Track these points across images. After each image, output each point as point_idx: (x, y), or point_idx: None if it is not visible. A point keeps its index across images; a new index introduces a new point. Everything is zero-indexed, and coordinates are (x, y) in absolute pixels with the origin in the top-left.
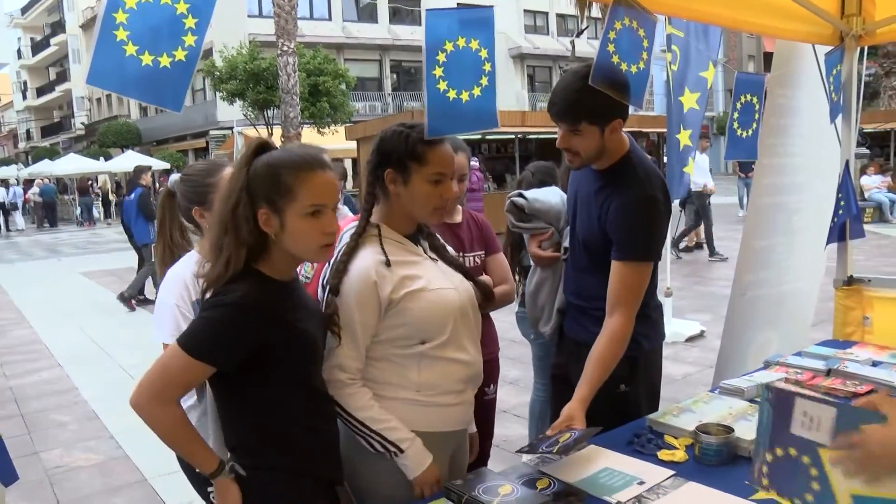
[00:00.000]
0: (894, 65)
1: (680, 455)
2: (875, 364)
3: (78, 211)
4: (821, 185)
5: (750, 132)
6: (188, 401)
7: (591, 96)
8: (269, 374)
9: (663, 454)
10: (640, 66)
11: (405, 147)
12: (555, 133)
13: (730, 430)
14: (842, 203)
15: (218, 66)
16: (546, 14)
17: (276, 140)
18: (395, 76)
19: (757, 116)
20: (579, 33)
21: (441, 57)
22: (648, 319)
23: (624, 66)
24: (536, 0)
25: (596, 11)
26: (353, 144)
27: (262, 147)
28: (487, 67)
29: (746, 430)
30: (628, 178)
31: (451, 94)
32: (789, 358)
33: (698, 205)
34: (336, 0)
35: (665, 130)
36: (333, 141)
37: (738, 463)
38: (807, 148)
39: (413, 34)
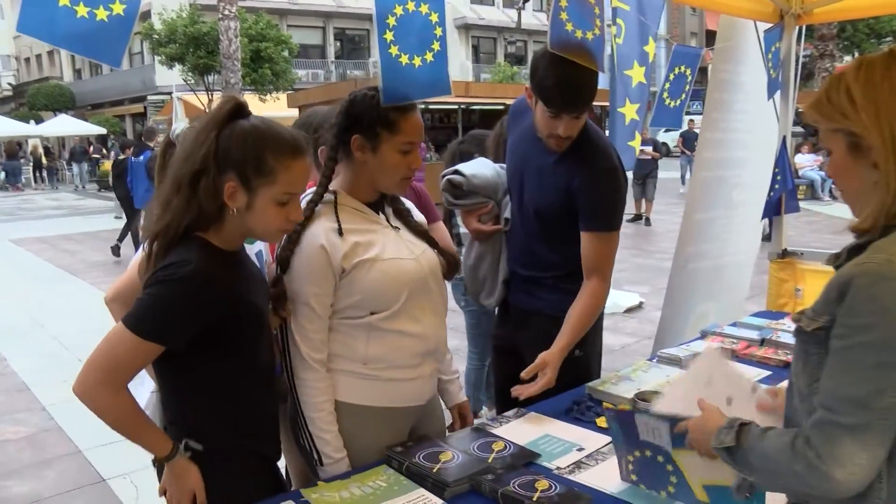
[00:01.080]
0: (828, 47)
1: None
2: None
3: (2, 175)
4: (760, 161)
5: (678, 102)
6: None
7: (594, 80)
8: (216, 350)
9: (602, 421)
10: (595, 33)
11: (377, 113)
12: (498, 104)
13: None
14: (778, 178)
15: (157, 29)
16: None
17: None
18: (338, 44)
19: (687, 88)
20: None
21: (391, 21)
22: None
23: (579, 34)
24: None
25: None
26: (294, 112)
27: (237, 110)
28: (438, 32)
29: None
30: (591, 150)
31: (404, 60)
32: (725, 328)
33: None
34: None
35: (607, 104)
36: (275, 108)
37: None
38: (748, 124)
39: (358, 2)
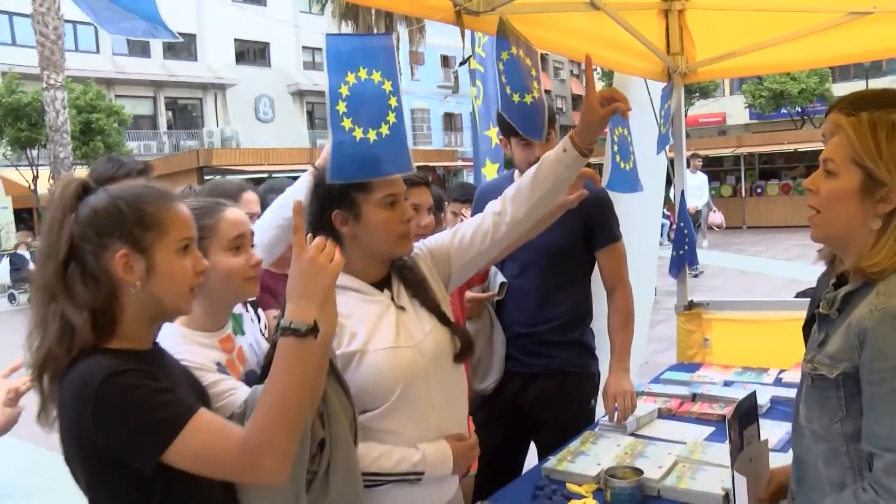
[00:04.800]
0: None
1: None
2: (727, 384)
3: None
4: (644, 219)
5: (631, 164)
6: None
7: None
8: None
9: None
10: (534, 96)
11: None
12: None
13: (639, 471)
14: (686, 232)
15: None
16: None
17: (45, 183)
18: (170, 114)
19: (632, 149)
20: (461, 62)
21: (344, 90)
22: (592, 345)
23: (516, 98)
24: (313, 37)
25: None
26: None
27: (84, 189)
28: (394, 102)
29: (651, 469)
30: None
31: (358, 134)
32: (651, 386)
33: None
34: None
35: (450, 164)
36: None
37: (648, 503)
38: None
39: (189, 70)
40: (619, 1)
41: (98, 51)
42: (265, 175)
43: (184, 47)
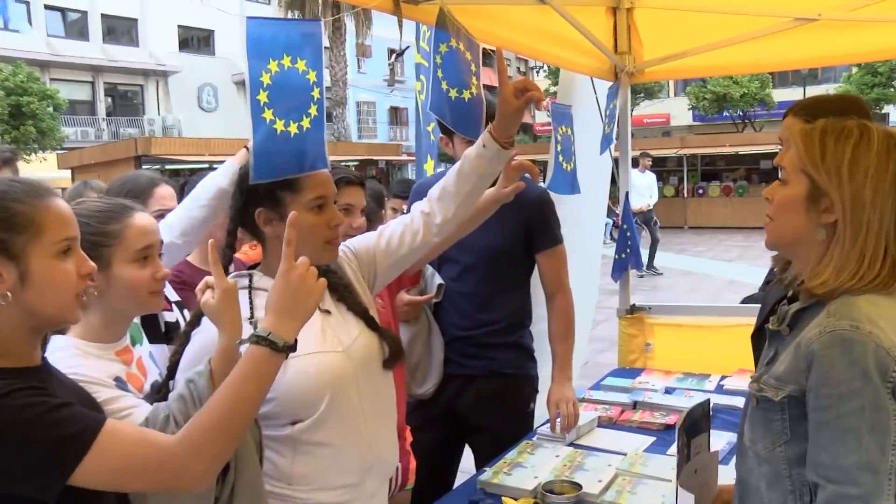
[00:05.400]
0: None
1: None
2: (668, 391)
3: None
4: (588, 219)
5: (572, 165)
6: None
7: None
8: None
9: None
10: (472, 92)
11: None
12: None
13: (577, 486)
14: (628, 235)
15: None
16: None
17: None
18: (109, 100)
19: (573, 149)
20: (398, 55)
21: (265, 78)
22: (531, 347)
23: (453, 93)
24: None
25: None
26: (66, 174)
27: None
28: (316, 94)
29: (590, 483)
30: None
31: (279, 127)
32: (592, 393)
33: (642, 223)
34: (38, 9)
35: (395, 158)
36: (42, 169)
37: None
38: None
39: (130, 55)
40: None
41: (31, 31)
42: (206, 166)
43: (124, 32)
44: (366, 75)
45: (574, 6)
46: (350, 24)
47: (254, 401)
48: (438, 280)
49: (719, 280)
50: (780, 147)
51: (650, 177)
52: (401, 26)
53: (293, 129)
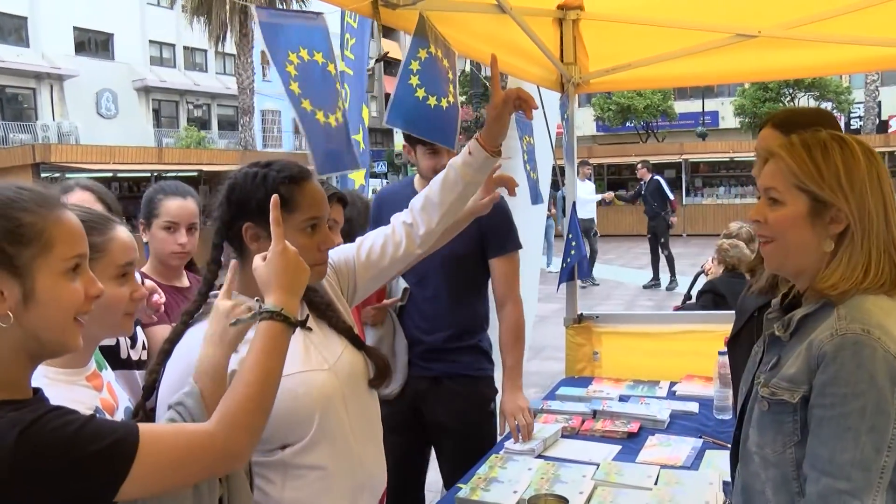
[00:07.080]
0: None
1: None
2: (623, 399)
3: None
4: (531, 228)
5: (536, 174)
6: None
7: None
8: None
9: None
10: (449, 101)
11: (266, 191)
12: (192, 171)
13: (563, 499)
14: (573, 244)
15: None
16: (173, 46)
17: None
18: None
19: (535, 158)
20: (377, 60)
21: (291, 70)
22: (489, 350)
23: (432, 101)
24: (162, 31)
25: (230, 47)
26: None
27: None
28: (338, 87)
29: (572, 495)
30: None
31: (320, 118)
32: (549, 404)
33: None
34: None
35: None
36: None
37: None
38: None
39: (20, 56)
40: (522, 6)
41: None
42: (109, 174)
43: (12, 30)
44: (270, 83)
45: (528, 16)
46: (258, 32)
47: (277, 375)
48: (403, 284)
49: (632, 287)
50: (733, 156)
51: (590, 185)
52: (380, 30)
53: (332, 121)
